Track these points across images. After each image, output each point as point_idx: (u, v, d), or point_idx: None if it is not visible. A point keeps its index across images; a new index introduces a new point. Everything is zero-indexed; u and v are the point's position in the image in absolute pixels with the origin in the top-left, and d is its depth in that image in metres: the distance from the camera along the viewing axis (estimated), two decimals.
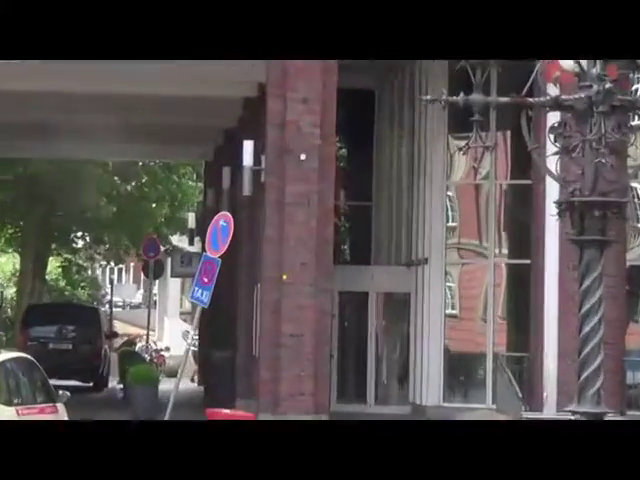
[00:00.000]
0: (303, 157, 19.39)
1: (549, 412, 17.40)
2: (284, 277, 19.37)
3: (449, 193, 24.09)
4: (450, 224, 24.10)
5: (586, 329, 7.97)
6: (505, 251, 23.29)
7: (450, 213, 24.17)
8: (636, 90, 10.73)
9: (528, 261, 20.56)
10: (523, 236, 21.32)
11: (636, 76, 10.50)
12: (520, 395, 18.70)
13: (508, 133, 21.36)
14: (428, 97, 11.02)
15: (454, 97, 9.36)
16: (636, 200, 21.32)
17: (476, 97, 8.40)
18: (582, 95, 8.24)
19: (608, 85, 8.00)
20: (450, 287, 24.15)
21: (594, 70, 8.13)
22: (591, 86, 8.06)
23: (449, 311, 23.92)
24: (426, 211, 23.12)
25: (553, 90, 9.29)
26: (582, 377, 8.05)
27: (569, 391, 13.84)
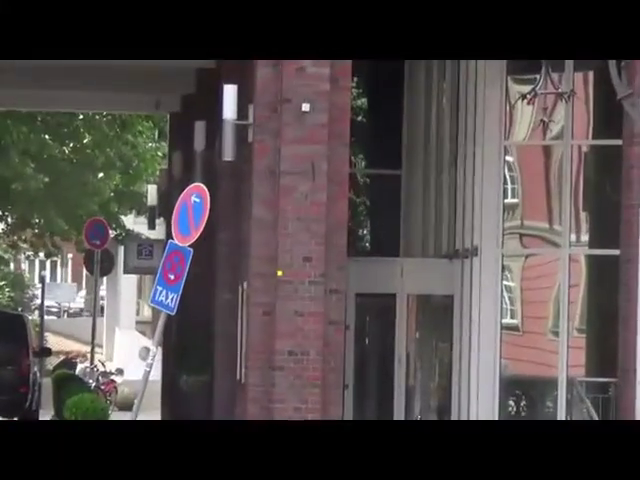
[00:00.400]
0: (306, 107, 19.45)
1: None
2: (280, 274, 19.46)
3: (508, 158, 24.12)
4: (509, 201, 24.00)
5: None
6: (585, 238, 23.23)
7: (510, 186, 24.16)
8: None
9: (617, 252, 20.44)
10: (610, 218, 21.25)
11: None
12: None
13: (590, 76, 21.26)
14: None
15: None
16: None
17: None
18: None
19: None
20: (509, 287, 24.02)
21: None
22: None
23: (507, 320, 23.85)
24: (476, 184, 23.07)
25: None
26: None
27: None
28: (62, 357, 44.25)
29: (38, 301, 51.75)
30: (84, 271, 49.33)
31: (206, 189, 17.59)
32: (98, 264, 38.24)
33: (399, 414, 24.32)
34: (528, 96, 17.90)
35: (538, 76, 9.41)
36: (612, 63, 10.07)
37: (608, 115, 18.63)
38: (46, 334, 44.01)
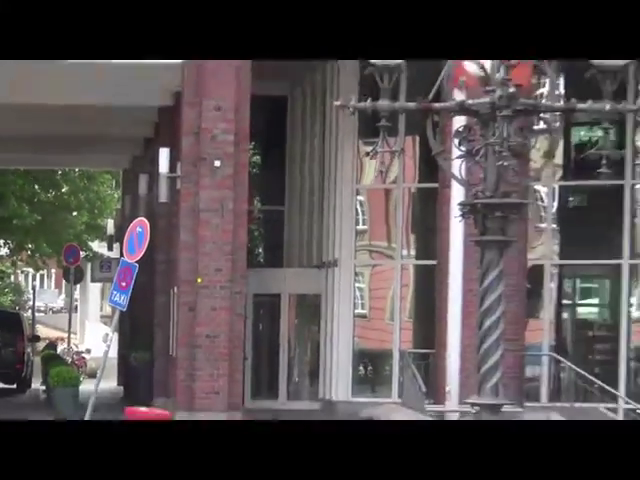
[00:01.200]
0: (217, 164, 19.22)
1: (451, 405, 17.39)
2: (199, 280, 19.27)
3: (359, 197, 24.09)
4: (360, 227, 24.16)
5: (486, 325, 8.14)
6: (413, 253, 23.27)
7: (360, 216, 24.20)
8: (540, 94, 10.66)
9: (434, 262, 20.54)
10: (430, 238, 21.30)
11: (541, 81, 10.62)
12: (424, 389, 18.71)
13: (417, 137, 21.33)
14: (337, 103, 10.96)
15: (362, 103, 9.27)
16: (539, 202, 21.58)
17: (383, 103, 8.34)
18: (486, 99, 8.23)
19: (511, 90, 7.98)
20: (360, 288, 24.09)
21: (498, 75, 8.10)
22: (495, 91, 8.05)
23: (359, 311, 23.85)
24: (336, 214, 23.09)
25: (459, 95, 9.22)
26: (482, 371, 8.13)
27: (470, 385, 13.98)
28: (47, 342, 43.91)
29: (31, 303, 51.90)
30: (63, 281, 48.97)
31: (147, 222, 17.28)
32: (72, 276, 38.56)
33: (282, 376, 24.15)
34: (370, 153, 17.78)
35: (378, 139, 9.20)
36: (429, 128, 8.93)
37: (429, 165, 18.55)
38: (36, 326, 44.22)
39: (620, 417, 19.55)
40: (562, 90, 16.45)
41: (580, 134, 19.68)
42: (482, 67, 7.99)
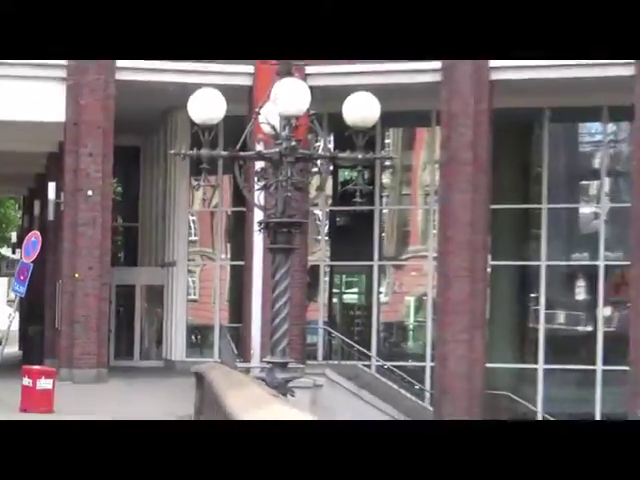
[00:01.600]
0: (90, 193, 18.79)
1: (254, 362, 17.42)
2: (77, 276, 18.77)
3: (191, 217, 23.62)
4: (192, 238, 23.58)
5: (277, 307, 8.30)
6: (229, 256, 22.94)
7: (192, 230, 23.65)
8: (318, 146, 10.69)
9: (243, 263, 20.32)
10: (240, 246, 21.04)
11: (316, 137, 10.71)
12: (235, 352, 18.57)
13: (231, 175, 21.11)
14: (172, 151, 10.53)
15: (190, 152, 9.17)
16: (316, 221, 21.79)
17: (204, 152, 8.35)
18: (276, 150, 8.21)
19: (293, 143, 7.99)
20: (192, 281, 23.63)
21: (284, 133, 8.10)
22: (282, 144, 8.02)
23: (191, 297, 23.30)
24: (175, 229, 22.54)
25: (258, 146, 9.14)
26: (274, 339, 8.26)
27: (267, 348, 13.89)
28: None
29: None
30: None
31: (39, 234, 17.45)
32: None
33: (137, 342, 23.56)
34: (197, 186, 17.63)
35: (202, 176, 9.01)
36: (237, 169, 8.98)
37: (239, 195, 18.09)
38: None
39: (373, 370, 20.36)
40: (332, 142, 16.84)
41: (344, 173, 20.03)
42: (273, 127, 7.96)
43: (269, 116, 8.27)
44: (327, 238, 22.37)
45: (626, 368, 17.78)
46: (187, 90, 9.13)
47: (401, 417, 17.86)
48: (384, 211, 21.98)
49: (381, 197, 21.55)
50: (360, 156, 8.21)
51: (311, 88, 8.64)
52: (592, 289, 20.68)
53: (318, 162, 8.77)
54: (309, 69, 17.05)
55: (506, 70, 18.11)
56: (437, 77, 18.52)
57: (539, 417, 19.00)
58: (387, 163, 20.06)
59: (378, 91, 8.85)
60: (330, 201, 21.61)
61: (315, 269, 21.33)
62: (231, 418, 4.89)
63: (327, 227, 22.38)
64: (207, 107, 8.03)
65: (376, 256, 21.21)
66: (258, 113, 8.29)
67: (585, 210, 22.08)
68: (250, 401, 5.00)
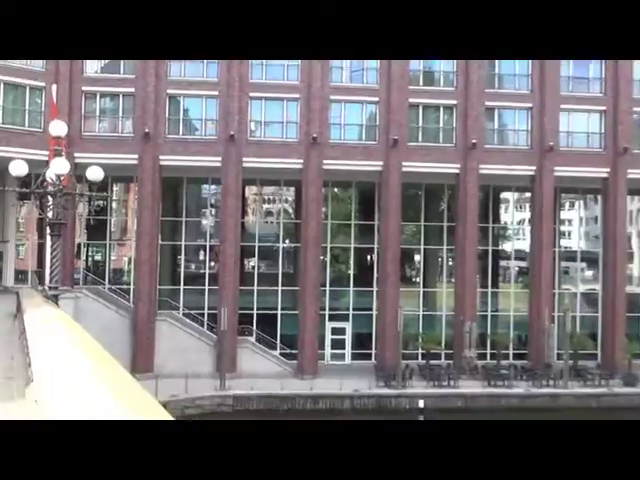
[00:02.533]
0: None
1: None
2: None
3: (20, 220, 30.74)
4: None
5: (54, 261, 15.47)
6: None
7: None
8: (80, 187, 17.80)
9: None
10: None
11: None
12: (38, 282, 25.93)
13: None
14: None
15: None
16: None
17: (16, 189, 15.32)
18: (53, 189, 15.47)
19: (60, 186, 15.24)
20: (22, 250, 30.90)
21: (56, 180, 15.36)
22: (54, 185, 15.32)
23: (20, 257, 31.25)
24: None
25: (50, 187, 16.16)
26: (52, 275, 15.34)
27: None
28: None
29: None
30: None
31: None
32: None
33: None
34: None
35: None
36: (33, 197, 13.13)
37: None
38: None
39: (106, 289, 30.23)
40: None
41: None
42: (51, 179, 15.31)
43: (51, 172, 15.72)
44: (85, 230, 32.57)
45: None
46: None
47: (121, 313, 29.78)
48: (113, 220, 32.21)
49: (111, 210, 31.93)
50: (92, 194, 16.03)
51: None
52: None
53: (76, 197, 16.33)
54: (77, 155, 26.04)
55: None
56: None
57: None
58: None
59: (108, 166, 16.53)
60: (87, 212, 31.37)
61: (79, 245, 31.48)
62: (22, 313, 8.89)
63: (85, 225, 32.57)
64: (20, 169, 15.45)
65: (108, 237, 32.02)
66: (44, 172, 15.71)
67: None
68: (33, 304, 11.16)
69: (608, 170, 31.25)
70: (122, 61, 29.66)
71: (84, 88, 29.28)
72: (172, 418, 3.36)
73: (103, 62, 30.10)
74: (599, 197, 33.50)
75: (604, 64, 31.24)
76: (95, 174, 15.16)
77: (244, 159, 29.65)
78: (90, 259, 34.21)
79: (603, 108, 31.53)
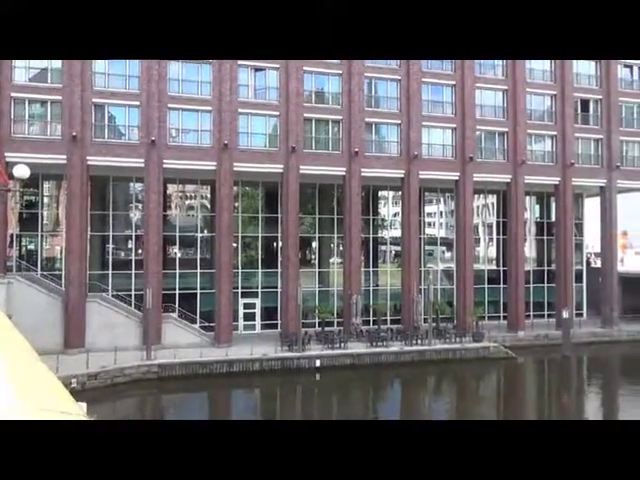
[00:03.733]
0: None
1: None
2: None
3: None
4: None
5: None
6: None
7: None
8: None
9: None
10: None
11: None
12: None
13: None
14: None
15: None
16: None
17: None
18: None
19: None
20: None
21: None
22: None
23: None
24: None
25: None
26: None
27: None
28: None
29: None
30: None
31: None
32: None
33: None
34: None
35: None
36: None
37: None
38: None
39: (38, 275, 29.39)
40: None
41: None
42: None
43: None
44: (18, 222, 31.98)
45: None
46: None
47: (54, 296, 29.14)
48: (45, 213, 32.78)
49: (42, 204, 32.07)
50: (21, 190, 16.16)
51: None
52: None
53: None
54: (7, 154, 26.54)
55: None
56: None
57: None
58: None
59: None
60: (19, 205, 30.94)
61: (12, 236, 30.03)
62: None
63: (18, 218, 31.68)
64: None
65: (40, 229, 31.88)
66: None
67: None
68: None
69: (459, 174, 34.82)
70: (49, 70, 29.47)
71: (13, 94, 28.69)
72: (73, 401, 3.03)
73: (32, 72, 29.49)
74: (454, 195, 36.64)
75: (454, 91, 34.43)
76: (21, 172, 15.09)
77: (164, 161, 30.44)
78: (24, 249, 33.41)
79: (454, 125, 34.54)
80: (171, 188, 34.77)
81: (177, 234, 33.93)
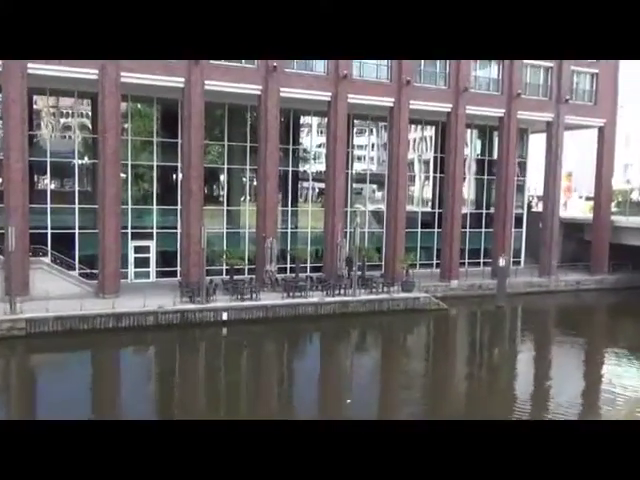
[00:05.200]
0: None
1: None
2: None
3: None
4: None
5: None
6: None
7: None
8: None
9: None
10: None
11: None
12: None
13: None
14: None
15: None
16: None
17: None
18: None
19: None
20: None
21: None
22: None
23: None
24: None
25: None
26: None
27: None
28: None
29: None
30: None
31: None
32: None
33: None
34: None
35: None
36: None
37: None
38: None
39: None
40: None
41: None
42: None
43: None
44: None
45: None
46: None
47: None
48: None
49: None
50: None
51: None
52: None
53: None
54: None
55: None
56: None
57: None
58: None
59: None
60: None
61: None
62: None
63: None
64: None
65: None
66: None
67: None
68: None
69: (393, 100, 32.10)
70: None
71: None
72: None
73: None
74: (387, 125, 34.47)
75: None
76: None
77: (29, 65, 25.09)
78: None
79: None
80: (41, 102, 29.22)
81: (48, 159, 28.85)
